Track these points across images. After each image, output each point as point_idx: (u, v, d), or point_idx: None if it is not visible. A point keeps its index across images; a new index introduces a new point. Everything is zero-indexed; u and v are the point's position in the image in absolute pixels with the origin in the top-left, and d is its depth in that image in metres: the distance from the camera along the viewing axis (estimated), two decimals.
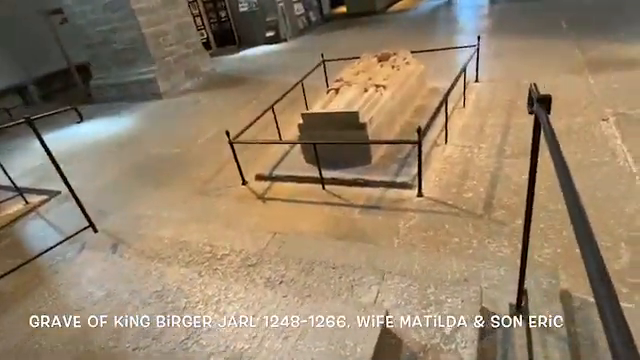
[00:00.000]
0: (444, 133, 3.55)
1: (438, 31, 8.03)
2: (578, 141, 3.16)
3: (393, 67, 4.16)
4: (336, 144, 3.17)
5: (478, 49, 4.67)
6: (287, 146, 3.93)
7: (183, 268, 2.47)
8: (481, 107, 4.19)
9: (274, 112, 4.09)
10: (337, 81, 3.96)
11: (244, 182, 3.55)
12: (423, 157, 3.03)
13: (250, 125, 3.69)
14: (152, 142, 5.04)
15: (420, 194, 2.88)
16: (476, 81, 4.86)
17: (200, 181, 3.78)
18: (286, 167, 3.56)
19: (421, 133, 2.69)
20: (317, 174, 3.21)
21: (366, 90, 3.65)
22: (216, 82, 7.63)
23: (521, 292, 1.78)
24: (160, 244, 2.87)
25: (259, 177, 3.58)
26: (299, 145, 3.74)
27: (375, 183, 3.09)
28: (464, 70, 3.98)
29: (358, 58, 4.59)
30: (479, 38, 4.76)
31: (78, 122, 2.73)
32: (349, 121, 3.18)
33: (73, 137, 5.69)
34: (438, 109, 3.21)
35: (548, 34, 6.28)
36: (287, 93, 4.49)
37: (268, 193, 3.34)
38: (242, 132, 3.54)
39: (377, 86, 3.68)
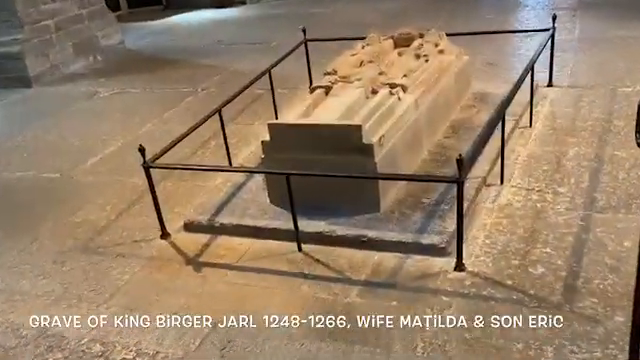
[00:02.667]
0: (499, 167, 3.65)
1: (488, 3, 8.45)
2: None
3: (418, 57, 4.31)
4: (323, 177, 3.21)
5: (553, 35, 4.92)
6: (241, 177, 3.95)
7: None
8: (558, 127, 4.35)
9: (222, 119, 4.14)
10: (328, 75, 4.05)
11: (165, 234, 3.54)
12: (466, 205, 3.06)
13: (181, 139, 3.71)
14: (8, 159, 5.01)
15: (460, 266, 2.90)
16: (549, 85, 5.08)
17: (88, 229, 3.75)
18: (238, 211, 3.57)
19: (463, 165, 2.76)
20: (290, 225, 3.21)
21: (374, 92, 3.74)
22: (126, 65, 7.70)
23: None
24: (13, 338, 2.78)
25: (191, 226, 3.56)
26: (261, 176, 3.75)
27: (386, 245, 3.11)
28: (531, 67, 4.16)
29: (362, 39, 4.75)
30: (555, 18, 5.02)
31: None
32: (346, 140, 3.24)
33: None
34: (489, 128, 3.31)
35: None
36: (245, 89, 4.57)
37: (206, 255, 3.32)
38: (167, 150, 3.55)
39: (393, 86, 3.78)
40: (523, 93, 4.18)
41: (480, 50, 6.00)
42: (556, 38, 5.01)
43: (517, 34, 6.42)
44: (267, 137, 3.46)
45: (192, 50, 7.96)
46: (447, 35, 4.76)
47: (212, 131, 4.69)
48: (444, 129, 4.23)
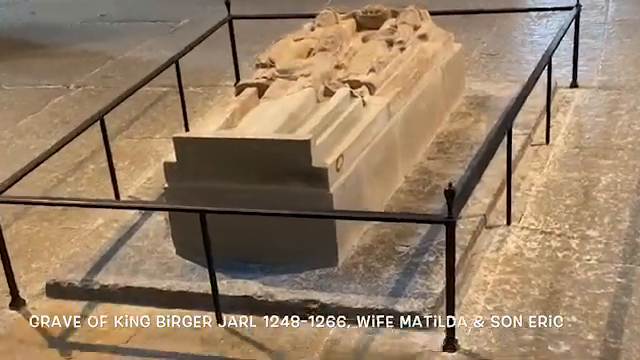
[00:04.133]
0: (505, 201, 3.69)
1: None
2: None
3: (391, 44, 4.37)
4: (255, 216, 3.20)
5: (578, 15, 5.05)
6: (133, 216, 3.93)
7: None
8: (586, 145, 4.46)
9: (105, 130, 4.09)
10: (262, 67, 4.07)
11: (17, 301, 3.46)
12: (459, 255, 3.08)
13: (43, 159, 3.66)
14: None
15: (452, 344, 2.90)
16: (573, 85, 5.23)
17: None
18: (128, 267, 3.53)
19: (455, 199, 2.79)
20: (206, 286, 3.19)
21: (329, 93, 3.77)
22: None
23: None
24: None
25: (58, 290, 3.50)
26: (163, 216, 3.74)
27: (346, 313, 3.10)
28: (548, 61, 4.25)
29: (312, 17, 4.79)
30: None
31: None
32: (288, 162, 3.24)
33: None
34: (491, 146, 3.36)
35: None
36: (140, 87, 4.56)
37: (80, 333, 3.25)
38: (22, 175, 3.48)
39: (355, 85, 3.81)
40: (537, 97, 4.29)
41: (478, 35, 6.15)
42: (582, 20, 5.15)
43: (529, 13, 6.58)
44: (173, 157, 3.43)
45: (62, 29, 7.87)
46: (432, 14, 4.83)
47: (90, 148, 4.63)
48: (428, 146, 4.29)
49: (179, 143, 3.42)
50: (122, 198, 4.20)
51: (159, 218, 3.79)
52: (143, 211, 3.92)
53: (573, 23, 4.96)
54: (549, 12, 6.26)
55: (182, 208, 3.34)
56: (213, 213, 3.07)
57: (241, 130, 3.51)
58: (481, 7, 5.85)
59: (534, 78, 4.01)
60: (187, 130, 4.69)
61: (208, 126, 3.58)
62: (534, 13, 6.56)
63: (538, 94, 4.27)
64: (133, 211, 3.94)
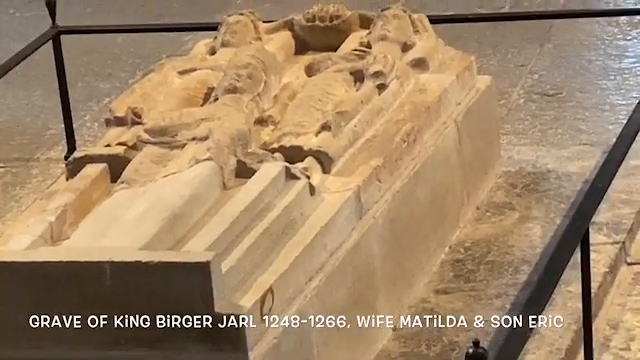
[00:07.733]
0: None
1: None
2: None
3: (359, 79, 4.45)
4: None
5: None
6: None
7: None
8: None
9: None
10: (120, 124, 4.15)
11: None
12: None
13: None
14: None
15: None
16: None
17: None
18: None
19: None
20: None
21: (244, 172, 3.82)
22: None
23: None
24: None
25: None
26: None
27: None
28: None
29: (213, 30, 4.88)
30: None
31: None
32: (171, 305, 3.25)
33: None
34: (552, 268, 3.41)
35: None
36: None
37: None
38: None
39: (293, 158, 3.88)
40: (635, 174, 4.37)
41: (522, 59, 6.30)
42: None
43: (614, 20, 6.78)
44: None
45: None
46: (434, 21, 4.99)
47: None
48: (435, 269, 4.36)
49: None
50: None
51: None
52: None
53: None
54: None
55: None
56: None
57: (78, 247, 3.52)
58: (524, 7, 5.96)
59: (629, 139, 4.08)
60: None
61: (14, 239, 3.58)
62: (624, 18, 6.70)
63: (636, 169, 4.33)
64: None
